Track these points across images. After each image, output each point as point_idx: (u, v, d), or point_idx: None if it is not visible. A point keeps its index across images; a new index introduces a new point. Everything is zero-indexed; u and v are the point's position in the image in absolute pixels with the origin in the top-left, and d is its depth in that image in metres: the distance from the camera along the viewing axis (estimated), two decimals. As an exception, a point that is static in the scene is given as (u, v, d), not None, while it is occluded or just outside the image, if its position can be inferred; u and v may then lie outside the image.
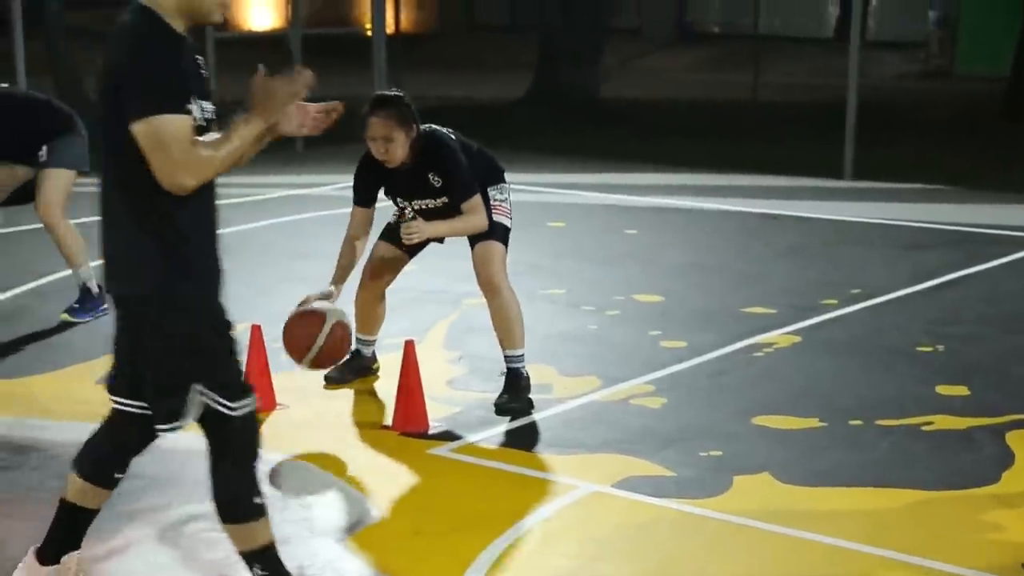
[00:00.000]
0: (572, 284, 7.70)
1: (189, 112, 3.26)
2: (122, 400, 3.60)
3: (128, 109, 3.20)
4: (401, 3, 16.17)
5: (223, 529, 3.57)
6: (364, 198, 5.55)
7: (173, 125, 3.20)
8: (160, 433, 3.56)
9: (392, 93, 5.38)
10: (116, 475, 3.72)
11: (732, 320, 6.91)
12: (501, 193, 5.59)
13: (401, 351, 5.33)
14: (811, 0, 26.49)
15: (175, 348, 3.40)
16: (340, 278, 5.45)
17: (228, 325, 3.50)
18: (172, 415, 3.45)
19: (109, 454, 3.71)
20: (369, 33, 15.00)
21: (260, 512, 3.54)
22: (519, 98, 17.45)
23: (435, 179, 5.39)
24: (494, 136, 14.03)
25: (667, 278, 7.90)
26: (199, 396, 3.42)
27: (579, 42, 16.88)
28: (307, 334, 5.02)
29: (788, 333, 6.65)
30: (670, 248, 8.80)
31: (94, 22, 28.08)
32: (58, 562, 3.74)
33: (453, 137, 5.50)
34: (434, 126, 5.50)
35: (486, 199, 5.50)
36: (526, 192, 10.88)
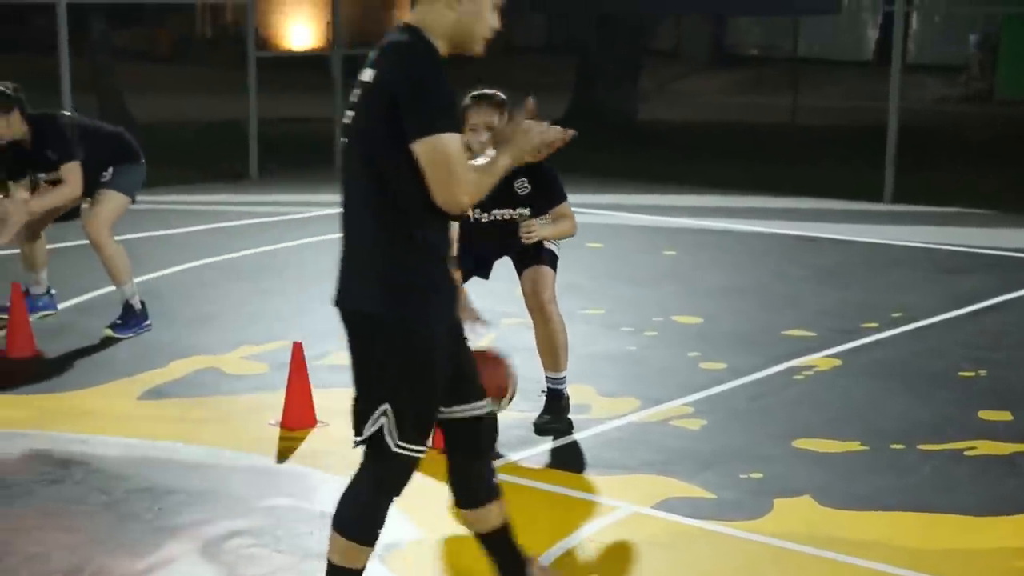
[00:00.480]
0: (610, 304, 7.70)
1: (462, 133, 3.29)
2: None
3: (409, 127, 3.20)
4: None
5: (332, 540, 3.52)
6: None
7: (455, 144, 3.23)
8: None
9: (491, 90, 5.37)
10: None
11: (771, 342, 6.89)
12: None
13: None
14: (851, 23, 26.44)
15: (392, 367, 3.35)
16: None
17: (448, 358, 3.43)
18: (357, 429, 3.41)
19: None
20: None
21: (369, 541, 3.51)
22: (557, 119, 17.46)
23: (522, 186, 5.37)
24: (532, 157, 14.10)
25: (706, 299, 7.89)
26: (381, 416, 3.38)
27: (617, 64, 16.91)
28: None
29: (828, 356, 6.63)
30: (709, 269, 8.79)
31: (135, 41, 28.42)
32: None
33: None
34: None
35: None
36: (564, 213, 10.90)
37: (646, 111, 17.73)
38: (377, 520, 3.51)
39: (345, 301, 3.45)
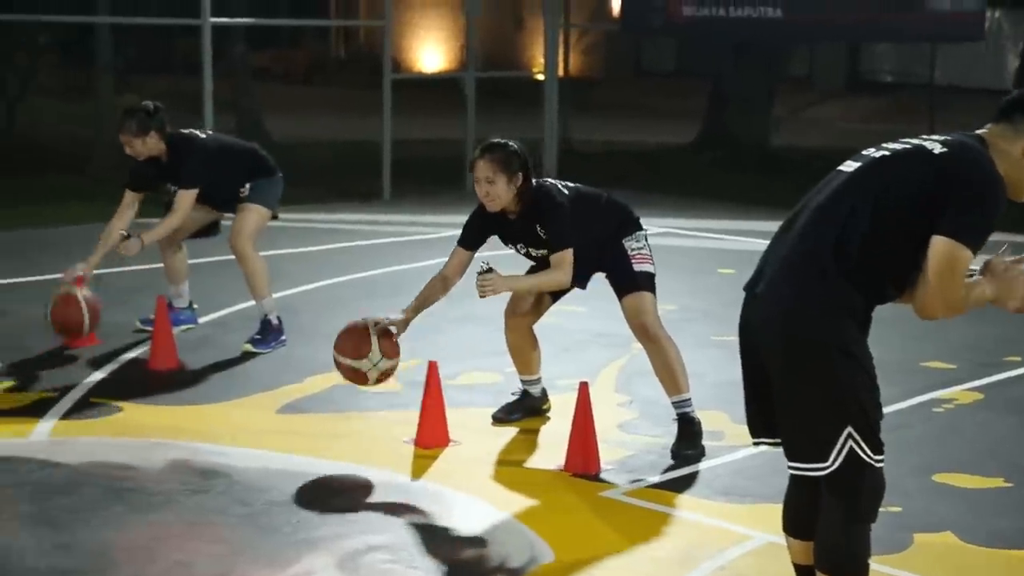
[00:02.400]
0: (744, 332, 7.61)
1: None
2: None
3: (945, 223, 3.27)
4: (570, 48, 16.30)
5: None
6: (470, 241, 5.66)
7: (964, 264, 3.31)
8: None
9: (503, 140, 5.49)
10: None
11: (910, 374, 6.75)
12: (637, 242, 5.56)
13: (573, 393, 5.35)
14: (989, 50, 25.87)
15: (845, 386, 3.39)
16: (415, 309, 5.63)
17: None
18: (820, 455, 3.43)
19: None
20: (539, 77, 15.16)
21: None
22: (688, 143, 17.41)
23: (542, 232, 5.46)
24: (662, 181, 14.07)
25: (841, 329, 7.75)
26: (848, 440, 3.39)
27: (749, 89, 16.79)
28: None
29: (969, 389, 6.47)
30: (843, 299, 8.64)
31: (271, 63, 29.01)
32: None
33: (566, 192, 5.52)
34: (551, 181, 5.60)
35: (621, 251, 5.51)
36: (695, 238, 10.86)
37: (779, 137, 17.56)
38: (867, 549, 3.51)
39: (793, 329, 3.42)
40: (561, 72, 14.90)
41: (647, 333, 5.47)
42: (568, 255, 5.41)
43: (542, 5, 14.71)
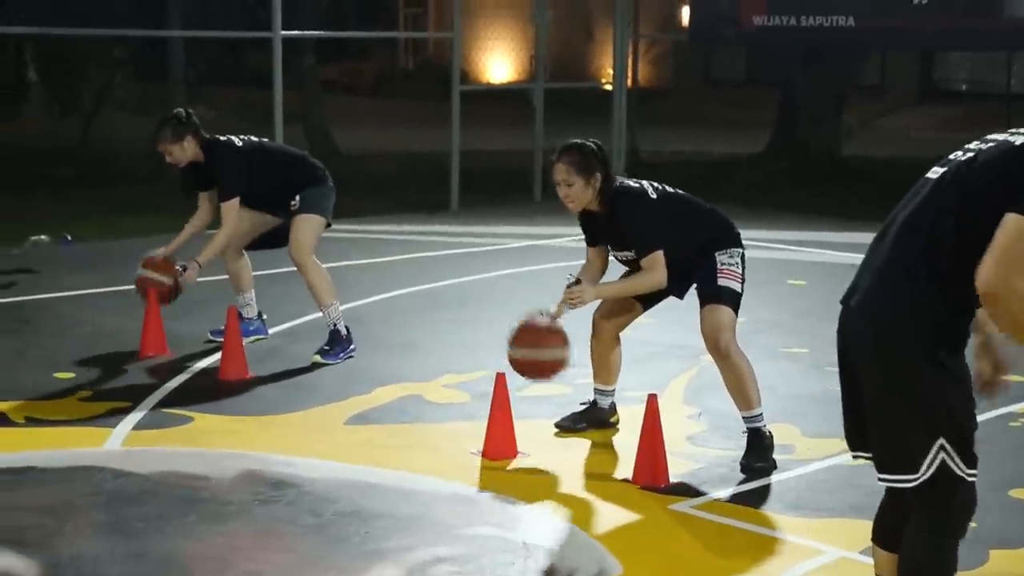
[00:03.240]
0: (815, 343, 7.54)
1: None
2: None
3: (1019, 200, 3.18)
4: (639, 59, 16.26)
5: None
6: (589, 239, 5.71)
7: None
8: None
9: (581, 142, 5.52)
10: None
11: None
12: (730, 257, 5.49)
13: (641, 405, 5.32)
14: (1067, 57, 25.46)
15: (935, 396, 3.36)
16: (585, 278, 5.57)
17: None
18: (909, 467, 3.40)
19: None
20: (607, 87, 15.14)
21: None
22: (757, 154, 17.30)
23: (625, 232, 5.45)
24: (732, 191, 13.97)
25: (914, 341, 7.65)
26: (939, 452, 3.37)
27: (820, 98, 16.64)
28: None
29: (1046, 403, 6.36)
30: (916, 310, 8.53)
31: (340, 75, 29.23)
32: None
33: (654, 196, 5.48)
34: (643, 182, 5.55)
35: (712, 263, 5.45)
36: (765, 249, 10.76)
37: (850, 147, 17.39)
38: (954, 566, 3.46)
39: (882, 338, 3.40)
40: (629, 83, 14.86)
41: (719, 349, 5.42)
42: (657, 256, 5.38)
43: (612, 16, 14.68)
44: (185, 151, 7.00)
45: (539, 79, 14.03)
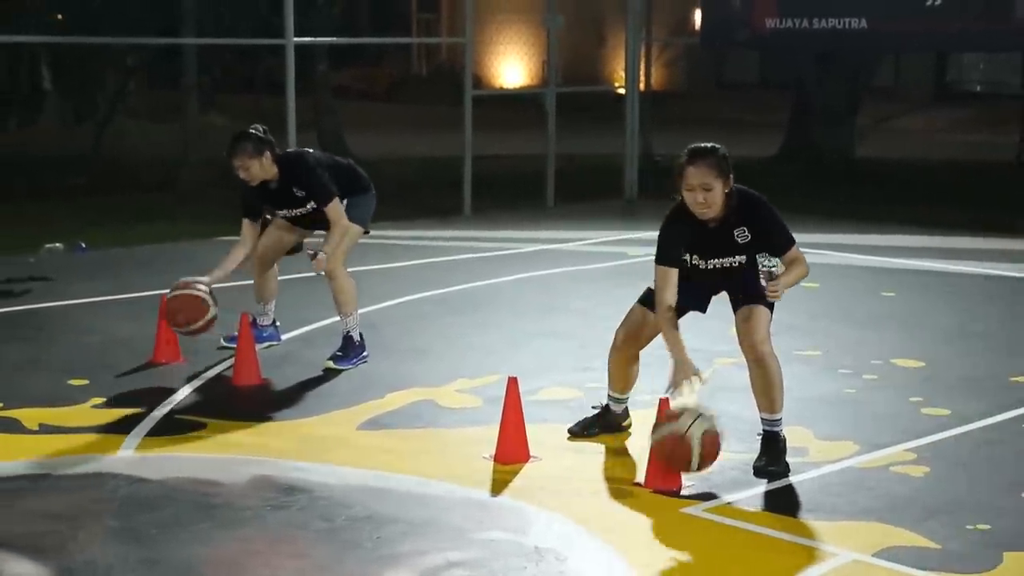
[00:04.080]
0: (828, 346, 7.54)
1: None
2: None
3: None
4: (652, 62, 16.25)
5: None
6: (673, 258, 5.37)
7: None
8: None
9: (712, 145, 5.34)
10: None
11: (1000, 389, 6.62)
12: (769, 260, 5.41)
13: (653, 408, 5.31)
14: (1081, 58, 25.37)
15: None
16: (677, 345, 5.34)
17: None
18: None
19: None
20: (620, 91, 15.13)
21: None
22: (770, 156, 17.27)
23: (742, 235, 5.33)
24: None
25: (928, 343, 7.64)
26: None
27: (833, 101, 16.62)
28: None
29: (1061, 404, 6.33)
30: (931, 312, 8.52)
31: (357, 81, 29.28)
32: None
33: (758, 193, 5.45)
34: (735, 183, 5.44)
35: (753, 263, 5.36)
36: (778, 252, 10.73)
37: (863, 149, 17.35)
38: None
39: None
40: (643, 86, 14.86)
41: (754, 351, 5.37)
42: (796, 248, 5.34)
43: (624, 20, 14.68)
44: (263, 167, 6.87)
45: (551, 83, 14.03)
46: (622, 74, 15.58)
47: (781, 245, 5.35)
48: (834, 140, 16.57)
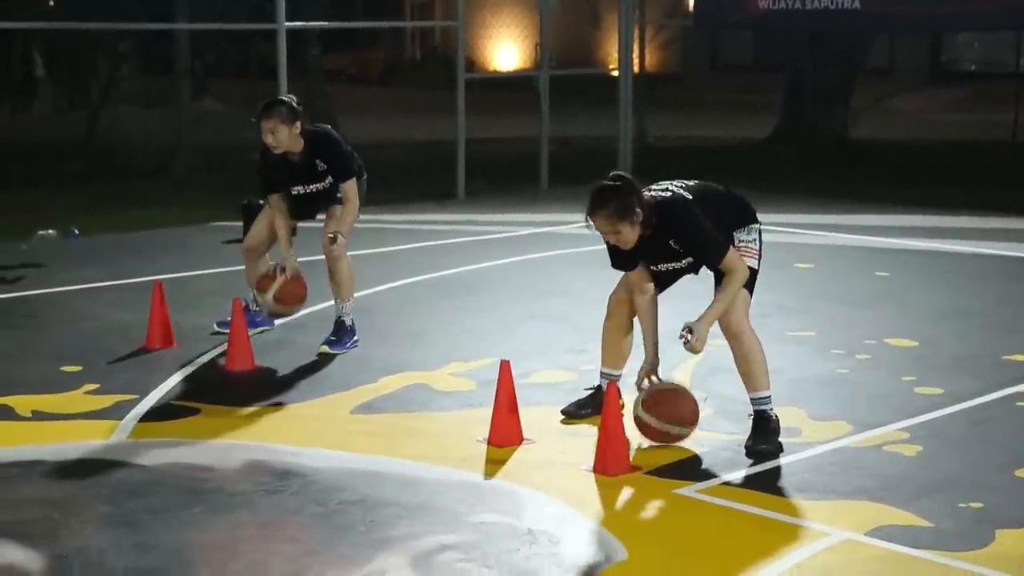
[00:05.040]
0: (822, 326, 7.53)
1: None
2: None
3: None
4: (646, 44, 16.22)
5: None
6: (627, 265, 5.55)
7: None
8: None
9: (607, 185, 5.27)
10: None
11: (993, 367, 6.63)
12: (748, 234, 5.47)
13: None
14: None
15: None
16: (653, 344, 5.62)
17: None
18: None
19: None
20: (614, 74, 15.10)
21: None
22: (765, 138, 17.26)
23: (676, 246, 5.39)
24: (740, 176, 13.92)
25: (922, 322, 7.64)
26: None
27: (827, 81, 16.59)
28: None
29: (1054, 383, 6.34)
30: (924, 291, 8.52)
31: (351, 65, 29.20)
32: None
33: (690, 196, 5.39)
34: (673, 186, 5.43)
35: (730, 241, 5.42)
36: (773, 232, 10.73)
37: (858, 129, 17.34)
38: None
39: None
40: (637, 68, 14.82)
41: (731, 328, 5.40)
42: (732, 256, 5.33)
43: (617, 2, 14.63)
44: (291, 136, 6.84)
45: (544, 66, 14.00)
46: (616, 56, 15.55)
47: (710, 259, 5.38)
48: (829, 121, 16.55)
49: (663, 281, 5.63)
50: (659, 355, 5.63)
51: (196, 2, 15.91)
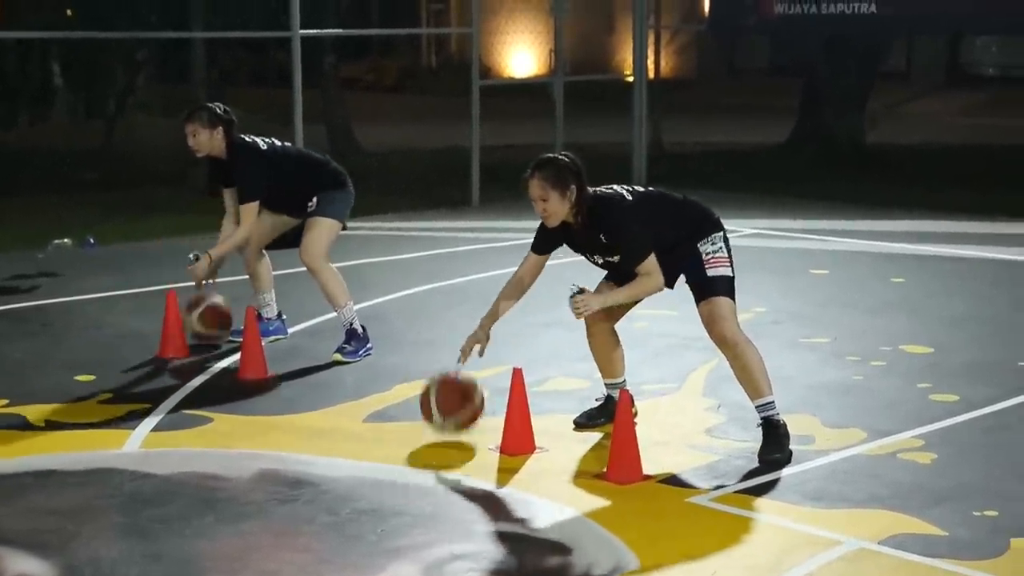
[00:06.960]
0: (836, 333, 7.50)
1: None
2: None
3: None
4: (661, 50, 16.18)
5: None
6: (541, 248, 5.75)
7: None
8: None
9: (553, 156, 5.51)
10: None
11: (1009, 374, 6.59)
12: (712, 244, 5.45)
13: (662, 398, 5.31)
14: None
15: None
16: (492, 317, 5.76)
17: None
18: None
19: None
20: (629, 79, 15.08)
21: None
22: (781, 143, 17.21)
23: (607, 240, 5.44)
24: (755, 181, 13.92)
25: (937, 329, 7.60)
26: None
27: (844, 86, 16.54)
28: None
29: (1070, 389, 6.30)
30: (940, 298, 8.48)
31: (366, 73, 29.23)
32: None
33: (629, 198, 5.46)
34: (615, 187, 5.51)
35: (696, 255, 5.43)
36: (788, 238, 10.71)
37: (875, 134, 17.27)
38: None
39: None
40: (652, 74, 14.80)
41: (724, 340, 5.39)
42: (649, 262, 5.37)
43: (632, 6, 14.62)
44: (212, 141, 6.98)
45: (559, 72, 13.99)
46: (631, 62, 15.53)
47: (628, 258, 5.43)
48: (845, 125, 16.49)
49: (612, 274, 5.65)
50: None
51: (213, 11, 15.95)
